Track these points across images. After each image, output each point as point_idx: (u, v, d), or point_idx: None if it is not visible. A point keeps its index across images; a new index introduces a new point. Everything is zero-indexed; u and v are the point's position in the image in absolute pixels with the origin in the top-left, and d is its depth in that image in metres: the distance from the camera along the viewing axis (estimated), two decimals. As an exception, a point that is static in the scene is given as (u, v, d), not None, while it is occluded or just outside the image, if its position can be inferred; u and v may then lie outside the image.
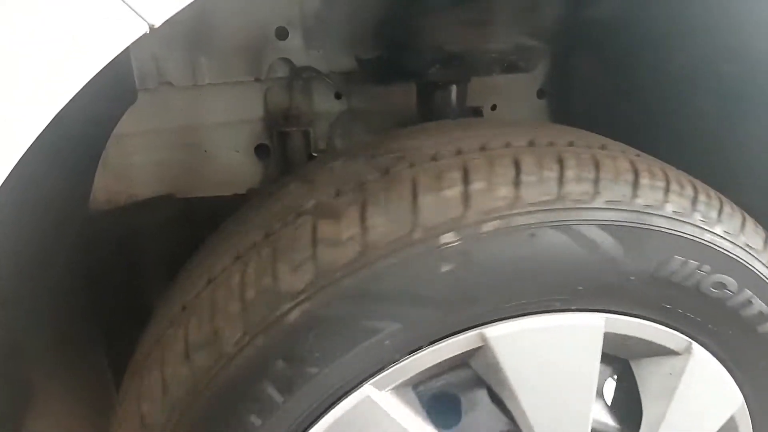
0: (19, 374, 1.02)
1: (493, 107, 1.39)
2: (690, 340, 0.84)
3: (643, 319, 0.81)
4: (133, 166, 1.27)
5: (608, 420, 0.89)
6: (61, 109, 0.54)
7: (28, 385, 1.05)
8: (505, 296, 0.72)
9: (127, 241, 1.29)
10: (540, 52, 1.24)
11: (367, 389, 0.73)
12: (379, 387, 0.74)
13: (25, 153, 0.54)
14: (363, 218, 0.69)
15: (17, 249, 0.78)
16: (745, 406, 0.91)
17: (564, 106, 1.40)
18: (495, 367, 0.75)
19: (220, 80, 1.26)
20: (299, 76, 1.30)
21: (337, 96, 1.35)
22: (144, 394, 0.76)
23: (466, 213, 0.69)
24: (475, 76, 1.26)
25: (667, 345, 0.85)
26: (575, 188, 0.72)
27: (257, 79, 1.29)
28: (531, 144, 0.77)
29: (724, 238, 0.81)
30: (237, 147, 1.34)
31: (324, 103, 1.35)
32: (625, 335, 0.82)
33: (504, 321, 0.74)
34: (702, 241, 0.78)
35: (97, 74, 0.55)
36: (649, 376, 0.87)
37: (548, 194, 0.71)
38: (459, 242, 0.68)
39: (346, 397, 0.73)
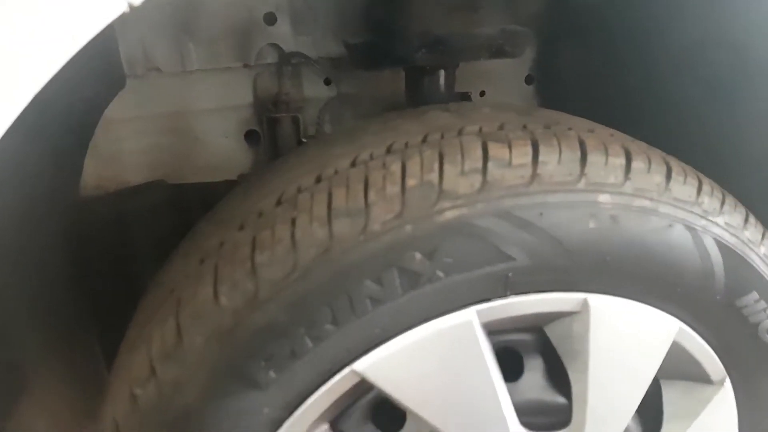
0: (10, 362, 1.03)
1: (482, 93, 1.40)
2: (727, 374, 0.95)
3: (705, 341, 0.91)
4: (123, 152, 1.27)
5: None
6: (44, 93, 0.54)
7: (19, 372, 1.06)
8: (619, 273, 0.83)
9: (118, 227, 1.29)
10: (527, 37, 1.25)
11: (470, 313, 0.79)
12: (480, 317, 0.79)
13: (5, 136, 0.54)
14: (535, 153, 0.79)
15: (4, 235, 0.78)
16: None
17: (552, 92, 1.40)
18: (581, 337, 0.85)
19: (208, 66, 1.26)
20: (288, 62, 1.30)
21: (327, 82, 1.35)
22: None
23: (624, 184, 0.81)
24: (463, 61, 1.27)
25: (710, 373, 0.95)
26: (710, 202, 0.87)
27: (246, 65, 1.29)
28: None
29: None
30: (227, 133, 1.34)
31: (313, 88, 1.35)
32: (685, 349, 0.91)
33: (607, 295, 0.84)
34: None
35: (82, 58, 0.55)
36: (678, 398, 0.97)
37: (690, 196, 0.85)
38: (612, 207, 0.80)
39: (450, 313, 0.79)
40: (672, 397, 0.99)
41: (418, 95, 1.28)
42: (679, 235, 0.86)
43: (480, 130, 0.85)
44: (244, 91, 1.32)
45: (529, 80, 1.42)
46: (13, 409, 1.03)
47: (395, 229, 0.75)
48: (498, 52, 1.20)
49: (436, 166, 0.78)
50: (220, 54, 1.26)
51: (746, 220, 0.93)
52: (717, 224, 0.88)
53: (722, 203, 0.91)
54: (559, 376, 0.91)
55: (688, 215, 0.86)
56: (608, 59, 1.29)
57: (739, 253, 0.90)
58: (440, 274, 0.77)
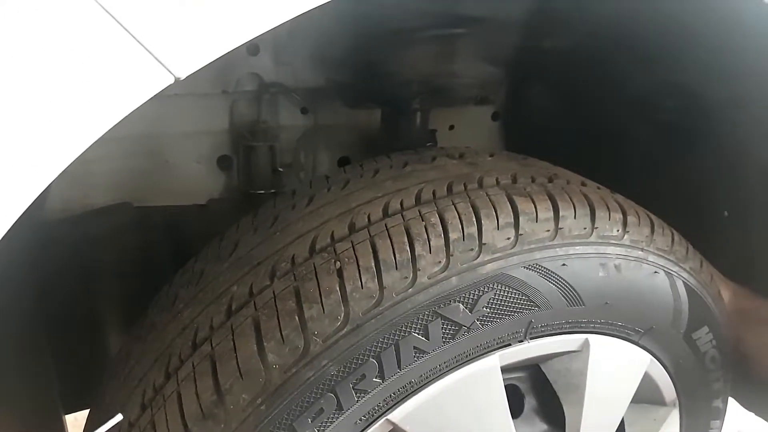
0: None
1: (451, 127, 1.47)
2: (677, 397, 1.10)
3: (665, 369, 1.05)
4: (91, 174, 1.21)
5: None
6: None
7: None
8: (614, 314, 0.94)
9: (82, 249, 1.23)
10: (501, 82, 1.34)
11: (495, 359, 0.86)
12: (500, 361, 0.86)
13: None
14: (555, 208, 0.87)
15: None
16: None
17: (516, 130, 1.50)
18: (579, 372, 0.94)
19: (186, 91, 1.23)
20: (267, 91, 1.30)
21: (304, 111, 1.36)
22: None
23: (624, 236, 0.94)
24: (444, 107, 1.33)
25: (665, 396, 1.09)
26: (680, 250, 1.01)
27: (224, 92, 1.28)
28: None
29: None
30: (199, 158, 1.30)
31: (290, 117, 1.35)
32: (650, 377, 1.05)
33: (602, 335, 0.95)
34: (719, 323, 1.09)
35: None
36: (636, 419, 1.10)
37: (667, 245, 0.99)
38: (616, 257, 0.92)
39: (478, 360, 0.85)
40: (634, 417, 1.13)
41: (393, 131, 1.33)
42: (661, 280, 0.98)
43: (497, 182, 0.92)
44: (221, 117, 1.30)
45: (495, 117, 1.51)
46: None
47: (442, 281, 0.80)
48: (482, 101, 1.28)
49: (474, 219, 0.84)
50: (200, 81, 1.23)
51: (701, 264, 1.08)
52: (685, 269, 1.02)
53: (687, 250, 1.04)
54: (550, 408, 1.01)
55: (667, 262, 0.99)
56: (571, 101, 1.40)
57: (699, 293, 1.04)
58: (478, 323, 0.83)
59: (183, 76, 0.60)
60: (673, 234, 1.02)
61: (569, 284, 0.88)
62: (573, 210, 0.89)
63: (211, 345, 0.79)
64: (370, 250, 0.80)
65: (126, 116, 0.58)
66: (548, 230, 0.86)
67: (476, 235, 0.82)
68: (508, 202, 0.86)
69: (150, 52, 0.58)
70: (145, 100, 0.59)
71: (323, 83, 1.30)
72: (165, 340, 0.87)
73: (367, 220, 0.85)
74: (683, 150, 1.24)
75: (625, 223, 0.93)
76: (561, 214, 0.88)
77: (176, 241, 1.30)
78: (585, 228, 0.89)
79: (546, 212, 0.87)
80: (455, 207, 0.84)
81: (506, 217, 0.85)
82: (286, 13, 0.63)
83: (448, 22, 1.15)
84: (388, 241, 0.81)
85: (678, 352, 1.06)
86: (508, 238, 0.83)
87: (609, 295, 0.92)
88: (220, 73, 1.24)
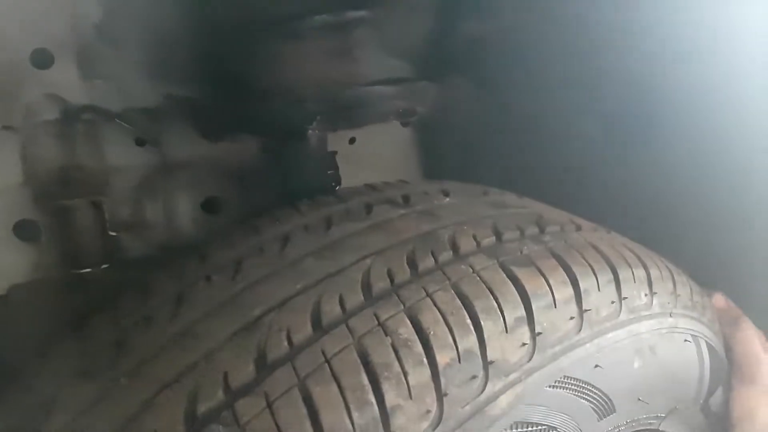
0: None
1: (352, 140, 1.11)
2: None
3: None
4: None
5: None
6: None
7: None
8: (640, 410, 0.67)
9: None
10: (432, 89, 0.99)
11: None
12: None
13: None
14: (572, 278, 0.57)
15: None
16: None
17: (432, 136, 1.18)
18: None
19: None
20: (77, 119, 0.87)
21: (140, 143, 0.94)
22: None
23: (653, 302, 0.65)
24: (357, 128, 0.98)
25: None
26: (698, 298, 0.74)
27: (6, 127, 0.84)
28: None
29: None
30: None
31: (122, 155, 0.93)
32: None
33: None
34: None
35: None
36: None
37: (688, 297, 0.72)
38: (649, 335, 0.64)
39: None
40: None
41: (280, 161, 0.95)
42: (690, 349, 0.73)
43: (478, 244, 0.59)
44: (9, 164, 0.85)
45: (406, 122, 1.17)
46: None
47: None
48: (407, 113, 0.94)
49: (469, 321, 0.50)
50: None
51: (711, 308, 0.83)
52: (705, 324, 0.76)
53: (700, 294, 0.78)
54: None
55: (693, 323, 0.73)
56: (495, 99, 1.11)
57: (717, 349, 0.79)
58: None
59: None
60: (687, 279, 0.75)
61: (602, 393, 0.58)
62: (594, 277, 0.59)
63: None
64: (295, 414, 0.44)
65: None
66: (572, 317, 0.55)
67: (478, 350, 0.49)
68: (509, 281, 0.54)
69: None
70: None
71: (164, 103, 0.90)
72: None
73: (286, 343, 0.49)
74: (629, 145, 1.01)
75: (650, 282, 0.65)
76: (582, 287, 0.57)
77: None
78: (613, 302, 0.59)
79: (563, 289, 0.56)
80: (434, 302, 0.51)
81: (514, 308, 0.52)
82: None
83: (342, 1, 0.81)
84: (333, 387, 0.45)
85: (694, 425, 0.81)
86: (524, 344, 0.51)
87: (643, 389, 0.64)
88: (-4, 99, 0.81)
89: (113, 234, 0.91)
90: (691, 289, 0.73)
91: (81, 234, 0.89)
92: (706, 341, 0.75)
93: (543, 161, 1.11)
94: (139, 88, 0.90)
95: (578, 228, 0.69)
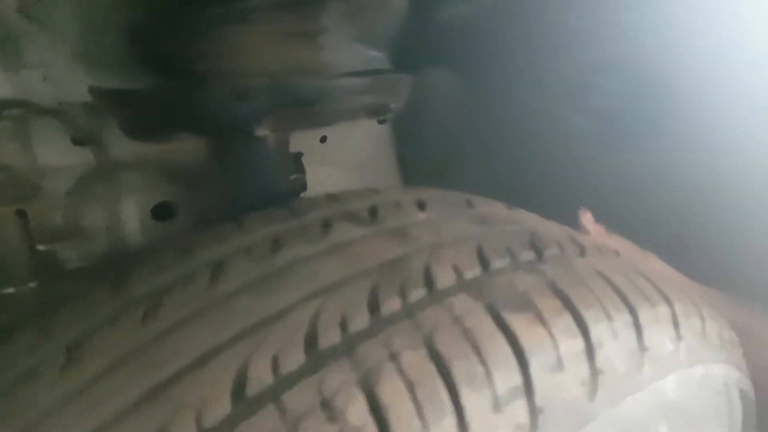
0: None
1: (323, 139, 0.97)
2: None
3: None
4: None
5: None
6: None
7: None
8: None
9: None
10: (408, 82, 0.86)
11: None
12: None
13: None
14: (581, 326, 0.44)
15: None
16: None
17: (411, 131, 1.05)
18: None
19: None
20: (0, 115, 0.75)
21: (77, 141, 0.81)
22: None
23: (680, 347, 0.52)
24: (327, 126, 0.85)
25: None
26: (726, 334, 0.63)
27: None
28: None
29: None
30: None
31: (55, 155, 0.80)
32: None
33: None
34: None
35: None
36: None
37: (715, 335, 0.60)
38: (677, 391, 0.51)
39: None
40: None
41: (234, 162, 0.82)
42: (720, 400, 0.59)
43: (459, 275, 0.46)
44: None
45: (381, 119, 1.03)
46: None
47: None
48: (379, 110, 0.81)
49: (447, 396, 0.37)
50: None
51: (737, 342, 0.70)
52: (734, 364, 0.63)
53: (728, 330, 0.65)
54: None
55: (723, 367, 0.60)
56: (478, 91, 0.98)
57: (748, 392, 0.66)
58: None
59: None
60: (711, 312, 0.62)
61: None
62: (607, 320, 0.46)
63: None
64: None
65: None
66: (582, 383, 0.42)
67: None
68: (500, 333, 0.41)
69: None
70: None
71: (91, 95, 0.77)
72: None
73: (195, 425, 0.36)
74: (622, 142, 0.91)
75: (676, 323, 0.52)
76: (592, 335, 0.44)
77: None
78: (633, 353, 0.46)
79: (571, 340, 0.43)
80: (399, 367, 0.38)
81: (506, 373, 0.39)
82: None
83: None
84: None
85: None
86: (520, 428, 0.38)
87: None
88: None
89: (40, 248, 0.79)
90: (718, 325, 0.61)
91: (2, 249, 0.76)
92: (737, 387, 0.62)
93: (529, 157, 0.99)
94: (77, 77, 0.78)
95: (582, 251, 0.56)
